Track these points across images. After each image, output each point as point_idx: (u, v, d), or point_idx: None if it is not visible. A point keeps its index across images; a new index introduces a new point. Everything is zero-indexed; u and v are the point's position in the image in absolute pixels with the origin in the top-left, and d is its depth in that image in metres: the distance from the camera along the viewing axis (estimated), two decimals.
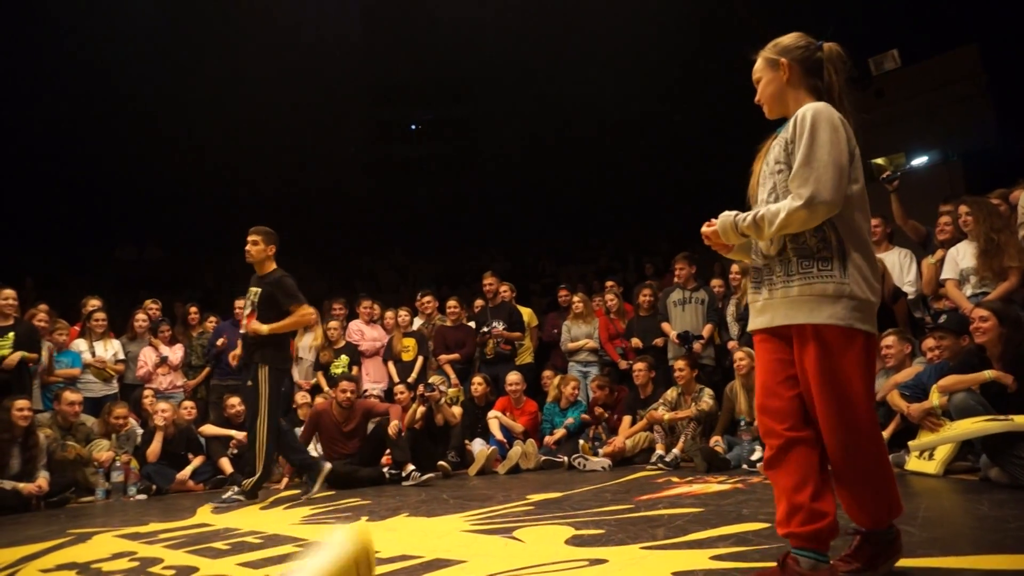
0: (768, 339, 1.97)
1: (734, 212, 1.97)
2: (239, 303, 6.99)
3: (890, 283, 5.24)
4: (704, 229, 2.05)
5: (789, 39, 2.01)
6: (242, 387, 4.68)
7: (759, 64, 2.04)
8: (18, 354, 5.49)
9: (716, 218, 2.02)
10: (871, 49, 12.85)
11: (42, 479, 5.01)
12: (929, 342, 4.58)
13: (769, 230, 1.85)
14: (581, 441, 5.89)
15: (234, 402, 6.17)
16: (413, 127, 20.27)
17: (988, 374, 3.67)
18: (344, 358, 6.96)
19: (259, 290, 4.77)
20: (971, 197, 5.02)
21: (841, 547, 1.98)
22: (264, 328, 4.64)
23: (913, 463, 4.06)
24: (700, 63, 14.99)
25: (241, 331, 4.94)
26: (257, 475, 4.63)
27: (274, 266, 4.88)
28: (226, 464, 5.87)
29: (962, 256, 4.79)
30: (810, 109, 1.85)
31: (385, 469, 5.45)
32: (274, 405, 4.66)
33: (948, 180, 11.59)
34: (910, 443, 4.04)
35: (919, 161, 12.88)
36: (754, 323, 2.01)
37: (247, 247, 4.79)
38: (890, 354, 4.70)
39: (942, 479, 3.79)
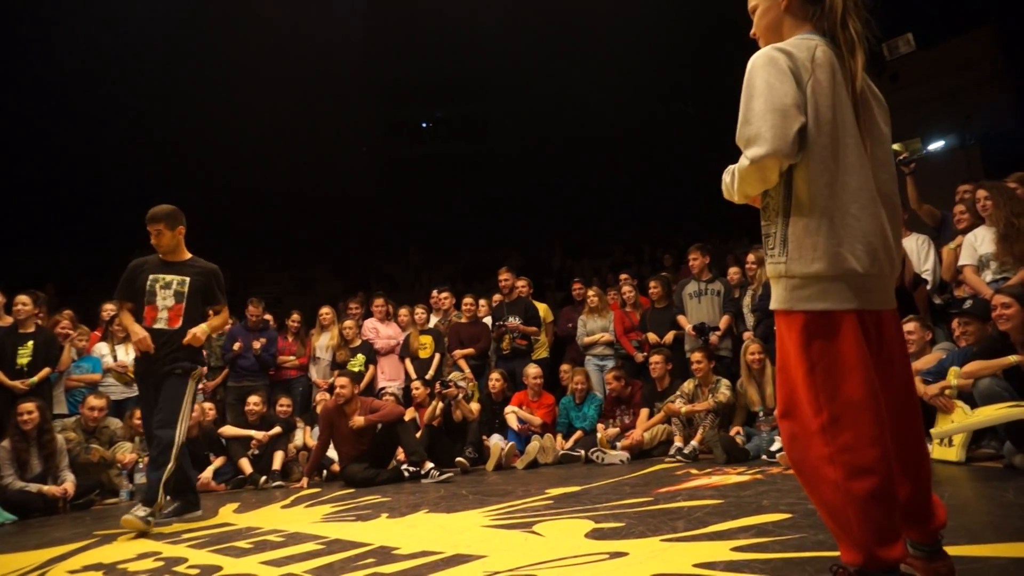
0: None
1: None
2: (252, 307, 7.06)
3: (910, 269, 5.18)
4: None
5: None
6: (161, 390, 3.98)
7: None
8: (37, 377, 5.57)
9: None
10: (885, 33, 12.68)
11: (69, 483, 5.08)
12: (954, 325, 4.53)
13: (730, 193, 1.70)
14: (599, 435, 5.89)
15: (256, 400, 6.23)
16: (424, 125, 20.28)
17: (1013, 359, 3.63)
18: (360, 357, 7.01)
19: (187, 279, 4.15)
20: (989, 182, 4.95)
21: None
22: (203, 335, 4.12)
23: (935, 451, 4.01)
24: (711, 57, 14.87)
25: (159, 326, 4.07)
26: (164, 479, 3.84)
27: (187, 252, 4.27)
28: (246, 464, 5.94)
29: (980, 241, 4.73)
30: (753, 59, 1.63)
31: (404, 467, 5.48)
32: (189, 412, 4.15)
33: (966, 164, 11.42)
34: (932, 431, 4.00)
35: (936, 145, 12.69)
36: None
37: (152, 239, 4.13)
38: (912, 340, 4.63)
39: (965, 466, 3.75)
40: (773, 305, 1.65)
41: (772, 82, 1.56)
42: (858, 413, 1.51)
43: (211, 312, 4.27)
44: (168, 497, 4.00)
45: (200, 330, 4.09)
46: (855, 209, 1.56)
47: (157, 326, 4.05)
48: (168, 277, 4.13)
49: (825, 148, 1.57)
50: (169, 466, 3.80)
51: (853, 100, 1.61)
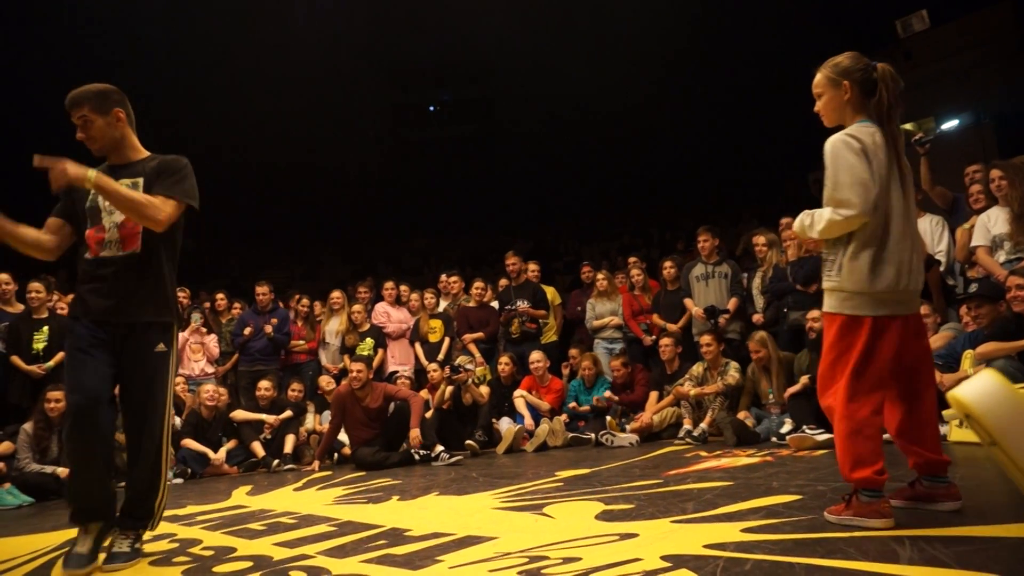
0: None
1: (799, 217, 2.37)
2: (260, 289, 7.07)
3: (923, 251, 5.13)
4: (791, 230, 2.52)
5: (848, 60, 2.31)
6: (127, 365, 2.63)
7: (820, 79, 2.36)
8: (53, 362, 5.64)
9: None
10: (899, 10, 12.46)
11: None
12: (963, 312, 4.48)
13: (812, 234, 2.29)
14: (608, 417, 5.91)
15: (267, 385, 6.28)
16: (431, 109, 20.19)
17: None
18: (369, 341, 7.03)
19: (140, 180, 2.69)
20: (1003, 161, 4.88)
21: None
22: (78, 172, 2.50)
23: (956, 433, 3.99)
24: (721, 38, 14.71)
25: (107, 253, 2.66)
26: (161, 497, 2.78)
27: (143, 149, 2.84)
28: (258, 448, 5.99)
29: (994, 222, 4.67)
30: (830, 142, 2.23)
31: (414, 450, 5.52)
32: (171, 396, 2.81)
33: (980, 143, 11.26)
34: (944, 412, 3.98)
35: (950, 125, 12.52)
36: None
37: (79, 134, 2.70)
38: (927, 323, 4.59)
39: (981, 447, 3.73)
40: (825, 309, 2.31)
41: (852, 161, 2.18)
42: (859, 384, 2.19)
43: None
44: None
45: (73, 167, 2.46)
46: (892, 244, 2.20)
47: (105, 253, 2.65)
48: (124, 181, 2.66)
49: (879, 206, 2.19)
50: (162, 488, 2.76)
51: (899, 168, 2.25)
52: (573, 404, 6.32)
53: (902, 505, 2.34)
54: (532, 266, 7.38)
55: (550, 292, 7.45)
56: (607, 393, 6.17)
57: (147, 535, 2.81)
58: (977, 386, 1.80)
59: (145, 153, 2.82)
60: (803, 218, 2.33)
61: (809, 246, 2.55)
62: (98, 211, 2.69)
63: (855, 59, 2.31)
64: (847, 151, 2.20)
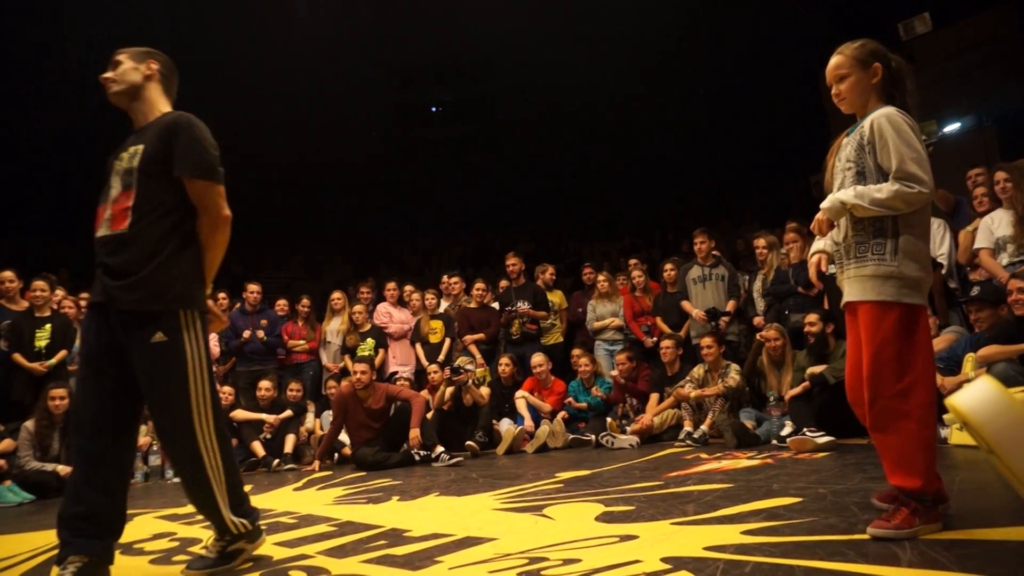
0: (848, 315, 2.28)
1: (835, 195, 2.19)
2: (249, 289, 7.06)
3: None
4: (814, 224, 2.25)
5: (873, 44, 2.21)
6: (137, 372, 2.24)
7: (845, 60, 2.21)
8: (55, 359, 5.69)
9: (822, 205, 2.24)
10: (902, 12, 12.46)
11: None
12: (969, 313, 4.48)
13: (872, 208, 2.08)
14: (609, 419, 5.91)
15: (267, 385, 6.28)
16: (433, 109, 20.19)
17: None
18: (370, 341, 7.04)
19: (140, 147, 2.35)
20: (1007, 163, 4.87)
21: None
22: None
23: (957, 436, 3.98)
24: (723, 41, 14.70)
25: (101, 232, 2.35)
26: (223, 507, 2.37)
27: (166, 106, 2.52)
28: (258, 447, 6.00)
29: (997, 224, 4.67)
30: (884, 115, 2.10)
31: (414, 451, 5.52)
32: (204, 388, 2.32)
33: (982, 146, 11.24)
34: (945, 416, 3.98)
35: (951, 127, 12.51)
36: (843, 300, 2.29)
37: (106, 74, 2.47)
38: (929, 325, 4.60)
39: (981, 451, 3.72)
40: (870, 297, 2.10)
41: (914, 139, 2.06)
42: (926, 380, 2.06)
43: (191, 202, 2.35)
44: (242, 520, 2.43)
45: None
46: (925, 231, 2.13)
47: (100, 232, 2.35)
48: (128, 150, 2.38)
49: None
50: (219, 495, 2.33)
51: None
52: (570, 400, 6.30)
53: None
54: (549, 268, 7.49)
55: (557, 295, 7.45)
56: (615, 372, 6.16)
57: (150, 532, 2.80)
58: (974, 394, 1.79)
59: (161, 109, 2.48)
60: (841, 196, 2.14)
61: (824, 230, 2.24)
62: (108, 187, 2.39)
63: (879, 45, 2.21)
64: (907, 126, 2.08)
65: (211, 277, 2.43)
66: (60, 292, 6.32)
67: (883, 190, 2.05)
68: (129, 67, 2.46)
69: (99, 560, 2.20)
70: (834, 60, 2.24)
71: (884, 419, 2.07)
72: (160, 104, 2.49)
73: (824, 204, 2.20)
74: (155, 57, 2.52)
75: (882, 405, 2.06)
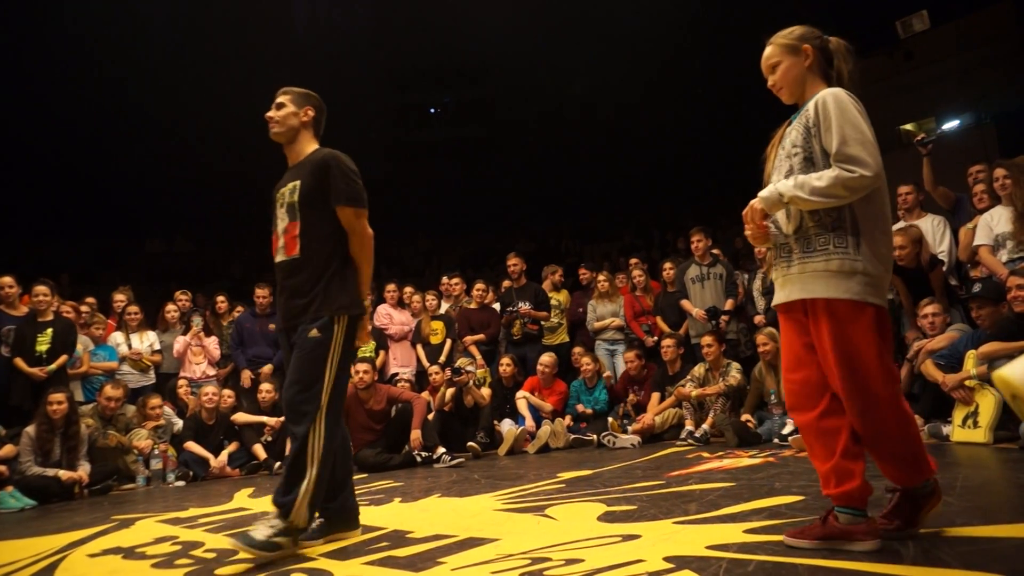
0: (787, 314, 2.08)
1: (772, 185, 2.02)
2: (260, 291, 7.05)
3: (927, 250, 5.12)
4: (746, 210, 2.09)
5: (802, 29, 2.11)
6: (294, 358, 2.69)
7: (773, 51, 2.12)
8: (55, 364, 5.68)
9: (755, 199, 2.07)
10: (900, 10, 12.46)
11: (83, 471, 5.17)
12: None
13: (812, 198, 1.90)
14: (610, 419, 5.91)
15: (268, 387, 6.28)
16: (433, 111, 20.21)
17: None
18: (371, 343, 7.02)
19: (297, 183, 2.82)
20: (1007, 160, 4.87)
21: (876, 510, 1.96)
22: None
23: (958, 433, 3.98)
24: (722, 39, 14.69)
25: (279, 258, 2.84)
26: (304, 491, 2.59)
27: (314, 143, 2.99)
28: (260, 450, 5.99)
29: (996, 221, 4.67)
30: (830, 94, 1.95)
31: (416, 452, 5.52)
32: (334, 387, 2.69)
33: (981, 143, 11.24)
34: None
35: (950, 125, 12.51)
36: (776, 298, 2.12)
37: (270, 113, 2.94)
38: (936, 323, 4.57)
39: (983, 448, 3.72)
40: (836, 295, 1.90)
41: (859, 118, 1.90)
42: (899, 382, 2.00)
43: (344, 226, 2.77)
44: (315, 515, 2.68)
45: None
46: (886, 227, 1.97)
47: (278, 258, 2.84)
48: (287, 186, 2.86)
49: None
50: (308, 477, 2.55)
51: None
52: (580, 407, 6.29)
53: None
54: (559, 269, 7.55)
55: (562, 296, 7.45)
56: (608, 374, 6.19)
57: (152, 536, 2.80)
58: (1022, 367, 1.84)
59: (311, 147, 2.94)
60: (779, 187, 1.97)
61: (759, 229, 2.07)
62: (276, 218, 2.88)
63: (809, 28, 2.11)
64: (852, 106, 1.92)
65: (366, 290, 2.87)
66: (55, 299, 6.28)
67: (823, 177, 1.88)
68: (290, 112, 2.91)
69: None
70: (766, 51, 2.14)
71: (883, 426, 1.91)
72: (310, 144, 2.95)
73: (762, 193, 2.03)
74: (312, 103, 2.98)
75: (879, 414, 1.90)
